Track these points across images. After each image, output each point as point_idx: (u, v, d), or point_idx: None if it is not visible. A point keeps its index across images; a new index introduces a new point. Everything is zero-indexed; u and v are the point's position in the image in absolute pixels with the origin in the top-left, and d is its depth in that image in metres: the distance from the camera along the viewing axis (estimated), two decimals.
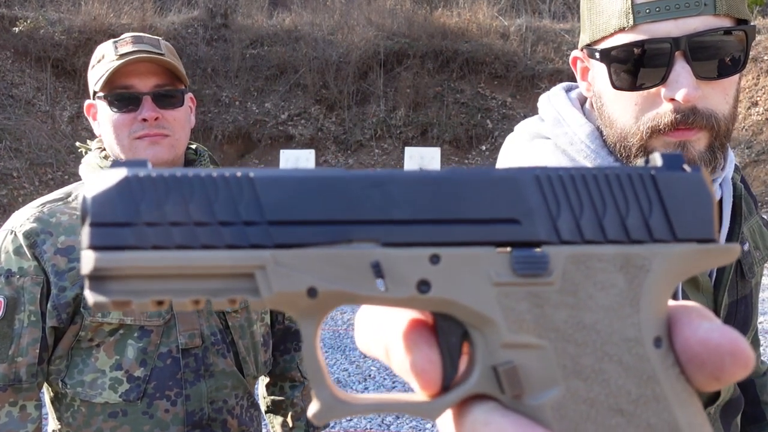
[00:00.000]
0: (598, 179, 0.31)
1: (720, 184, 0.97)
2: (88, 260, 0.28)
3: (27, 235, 1.42)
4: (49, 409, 1.51)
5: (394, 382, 5.37)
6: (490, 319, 0.29)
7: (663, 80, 0.83)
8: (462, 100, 14.34)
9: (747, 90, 13.29)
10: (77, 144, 1.65)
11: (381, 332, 0.31)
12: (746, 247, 1.04)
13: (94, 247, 0.29)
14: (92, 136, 1.60)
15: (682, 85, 0.81)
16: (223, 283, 0.29)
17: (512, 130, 1.10)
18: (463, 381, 0.30)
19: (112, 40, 1.50)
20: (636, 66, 0.84)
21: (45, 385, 1.47)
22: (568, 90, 1.06)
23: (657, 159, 0.32)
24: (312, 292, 0.29)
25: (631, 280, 0.30)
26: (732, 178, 1.00)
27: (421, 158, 12.43)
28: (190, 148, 1.63)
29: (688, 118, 0.83)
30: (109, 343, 1.42)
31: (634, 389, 0.29)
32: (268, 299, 0.29)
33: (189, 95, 1.54)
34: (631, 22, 0.83)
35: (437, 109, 14.35)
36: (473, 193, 0.30)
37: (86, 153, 1.56)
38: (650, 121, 0.85)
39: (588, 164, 0.94)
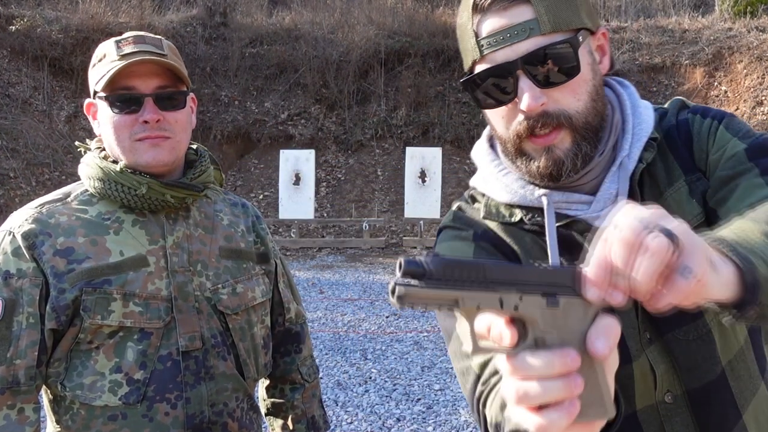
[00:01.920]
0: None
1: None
2: (400, 290, 0.59)
3: (26, 236, 1.40)
4: (47, 412, 1.49)
5: (394, 385, 5.36)
6: (537, 320, 0.65)
7: (515, 95, 1.00)
8: (464, 100, 14.27)
9: (752, 89, 13.27)
10: (77, 143, 1.63)
11: (491, 322, 0.66)
12: None
13: (400, 285, 0.60)
14: (89, 136, 1.59)
15: (525, 98, 0.98)
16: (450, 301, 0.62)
17: None
18: (524, 341, 0.65)
19: (114, 39, 1.48)
20: (492, 89, 1.02)
21: (44, 387, 1.45)
22: None
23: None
24: (478, 307, 0.63)
25: (586, 310, 0.67)
26: (643, 159, 1.06)
27: (422, 158, 12.37)
28: (191, 149, 1.62)
29: (538, 122, 1.00)
30: (109, 345, 1.41)
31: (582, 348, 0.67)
32: (462, 311, 0.63)
33: (190, 96, 1.53)
34: (478, 55, 1.01)
35: (438, 108, 14.31)
36: (537, 275, 0.66)
37: (85, 152, 1.55)
38: (514, 130, 1.03)
39: (491, 169, 1.13)
